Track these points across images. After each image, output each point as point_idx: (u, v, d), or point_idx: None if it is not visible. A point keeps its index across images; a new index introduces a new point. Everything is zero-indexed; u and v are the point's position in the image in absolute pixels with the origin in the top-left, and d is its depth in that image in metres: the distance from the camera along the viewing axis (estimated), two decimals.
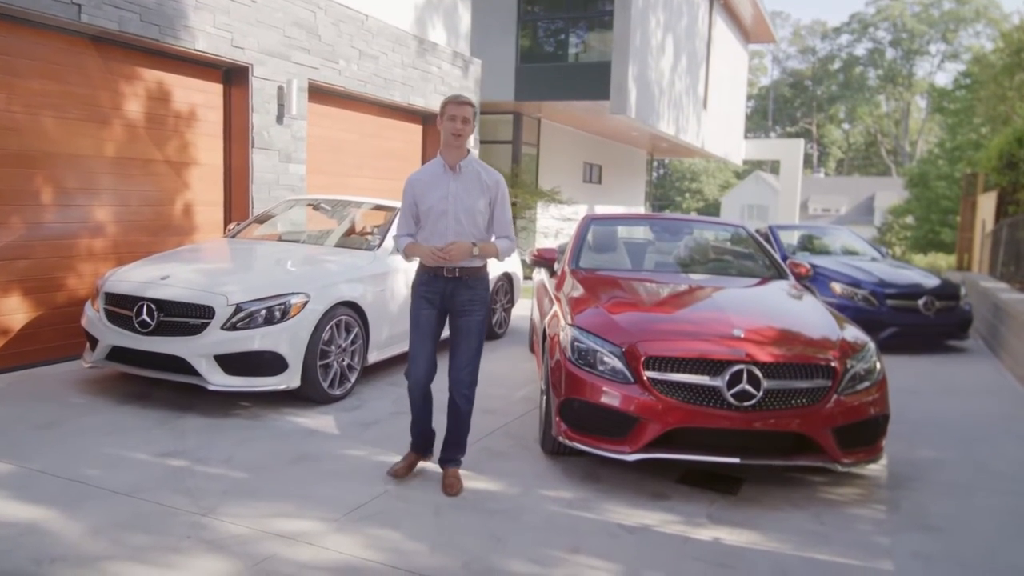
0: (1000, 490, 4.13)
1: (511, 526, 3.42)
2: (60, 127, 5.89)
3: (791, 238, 10.61)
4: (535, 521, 3.50)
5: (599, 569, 3.07)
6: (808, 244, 10.61)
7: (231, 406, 5.02)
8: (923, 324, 8.17)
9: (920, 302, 8.15)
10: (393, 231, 3.67)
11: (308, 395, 5.08)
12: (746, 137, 28.73)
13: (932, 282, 8.53)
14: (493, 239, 3.87)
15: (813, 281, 8.42)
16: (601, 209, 20.57)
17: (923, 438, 5.02)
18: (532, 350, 6.94)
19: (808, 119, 62.78)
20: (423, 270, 3.80)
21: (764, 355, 3.78)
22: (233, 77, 7.29)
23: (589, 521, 3.52)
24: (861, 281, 8.37)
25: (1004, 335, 7.88)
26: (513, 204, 14.60)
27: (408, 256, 3.84)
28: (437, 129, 3.79)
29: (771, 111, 62.88)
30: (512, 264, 8.05)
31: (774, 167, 40.77)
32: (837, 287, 8.37)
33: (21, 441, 4.22)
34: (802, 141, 28.73)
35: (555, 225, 15.92)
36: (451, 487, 3.78)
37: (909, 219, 34.05)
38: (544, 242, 16.21)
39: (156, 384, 5.34)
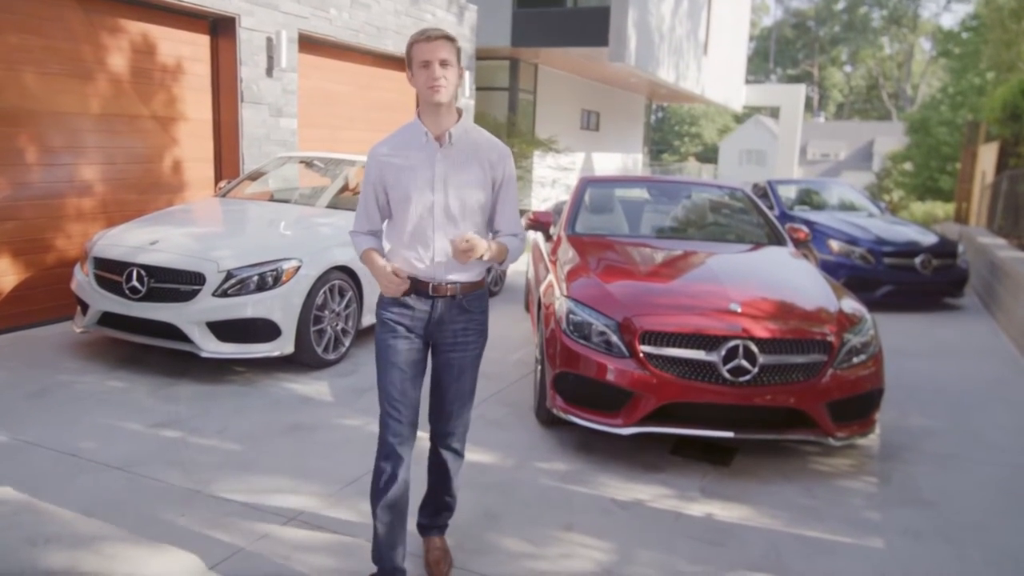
0: (991, 461, 4.16)
1: (505, 502, 3.44)
2: (42, 83, 5.72)
3: (789, 192, 10.51)
4: (529, 497, 3.51)
5: (592, 548, 3.09)
6: (806, 199, 10.52)
7: (225, 371, 5.01)
8: (919, 282, 8.15)
9: (917, 260, 8.12)
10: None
11: (302, 360, 5.06)
12: (747, 81, 28.22)
13: (929, 240, 8.49)
14: (492, 237, 2.74)
15: (811, 238, 8.37)
16: (599, 156, 20.33)
17: (916, 404, 5.04)
18: (527, 309, 6.92)
19: (809, 61, 61.69)
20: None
21: (760, 330, 3.75)
22: (220, 28, 7.06)
23: (583, 496, 3.54)
24: (858, 239, 8.31)
25: (1000, 294, 7.87)
26: None
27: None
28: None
29: (772, 53, 61.73)
30: None
31: (774, 111, 40.26)
32: (835, 245, 8.32)
33: (14, 410, 4.21)
34: (803, 87, 28.26)
35: (551, 175, 15.74)
36: (437, 565, 2.80)
37: (908, 166, 33.76)
38: (540, 191, 16.05)
39: (149, 348, 5.31)
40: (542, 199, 16.12)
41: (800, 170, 39.02)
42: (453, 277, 2.61)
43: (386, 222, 2.74)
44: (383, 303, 2.67)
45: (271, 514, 3.22)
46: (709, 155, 53.58)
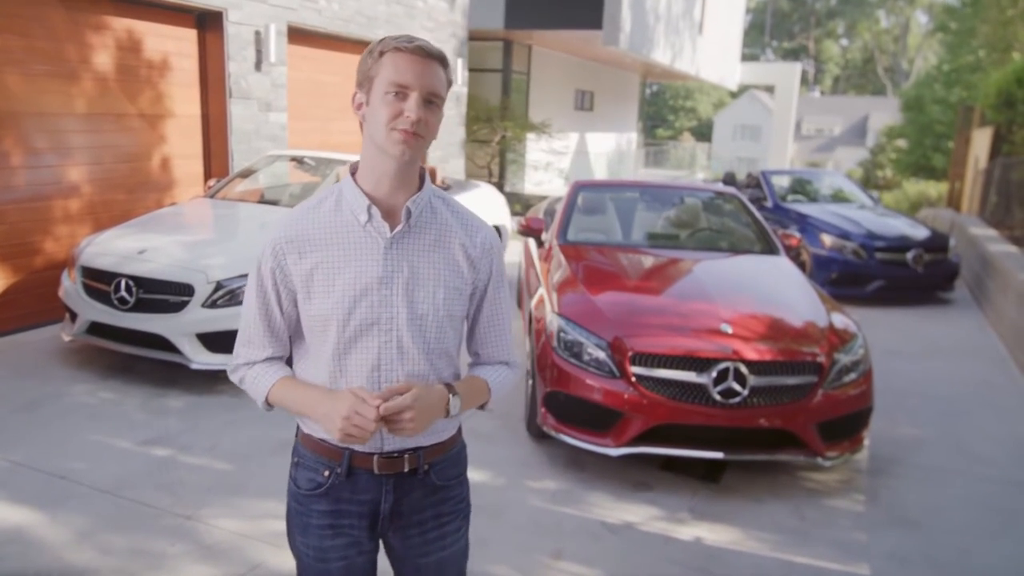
0: (977, 476, 4.19)
1: (495, 526, 3.46)
2: (24, 84, 5.62)
3: (782, 182, 10.48)
4: (519, 520, 3.53)
5: None
6: (799, 189, 10.49)
7: (215, 381, 4.99)
8: (911, 277, 8.16)
9: (909, 255, 8.12)
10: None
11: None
12: (742, 55, 27.99)
13: (921, 233, 8.48)
14: (471, 364, 1.82)
15: (803, 232, 8.37)
16: (593, 136, 20.21)
17: (905, 412, 5.07)
18: (520, 305, 6.90)
19: (806, 34, 61.22)
20: (317, 451, 1.66)
21: (751, 352, 3.75)
22: (207, 22, 6.94)
23: (572, 518, 3.56)
24: (850, 233, 8.30)
25: (990, 289, 7.89)
26: (502, 138, 14.24)
27: (271, 406, 1.68)
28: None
29: (768, 26, 61.19)
30: (500, 216, 7.91)
31: (769, 87, 39.99)
32: (827, 239, 8.31)
33: (3, 426, 4.19)
34: (798, 65, 28.09)
35: (545, 158, 15.64)
36: None
37: (901, 142, 33.71)
38: (534, 175, 15.97)
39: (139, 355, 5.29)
40: (535, 182, 16.04)
41: (795, 146, 38.91)
42: (412, 441, 1.64)
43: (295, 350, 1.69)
44: (299, 477, 1.68)
45: (263, 543, 3.22)
46: (704, 130, 53.31)
